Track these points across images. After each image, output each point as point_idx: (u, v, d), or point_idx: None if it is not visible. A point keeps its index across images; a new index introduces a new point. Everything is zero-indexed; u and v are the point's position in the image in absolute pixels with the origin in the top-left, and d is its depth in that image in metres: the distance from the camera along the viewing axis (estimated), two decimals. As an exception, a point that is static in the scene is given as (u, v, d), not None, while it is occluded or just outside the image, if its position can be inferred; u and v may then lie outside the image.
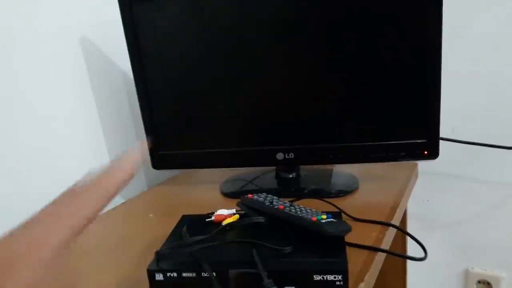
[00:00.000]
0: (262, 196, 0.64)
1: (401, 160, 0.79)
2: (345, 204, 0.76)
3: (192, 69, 0.80)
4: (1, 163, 0.71)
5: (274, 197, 0.64)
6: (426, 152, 0.77)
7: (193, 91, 0.82)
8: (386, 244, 0.64)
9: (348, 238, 0.58)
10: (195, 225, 0.63)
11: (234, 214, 0.64)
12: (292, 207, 0.60)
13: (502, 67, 0.93)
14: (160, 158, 0.88)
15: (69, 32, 0.81)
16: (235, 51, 0.78)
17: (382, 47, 0.73)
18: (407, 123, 0.76)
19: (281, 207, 0.59)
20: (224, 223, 0.61)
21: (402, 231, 0.69)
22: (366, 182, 0.86)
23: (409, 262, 1.10)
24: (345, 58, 0.75)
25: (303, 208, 0.59)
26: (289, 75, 0.77)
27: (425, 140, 0.76)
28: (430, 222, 1.12)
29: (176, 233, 0.61)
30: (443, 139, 0.82)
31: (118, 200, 0.93)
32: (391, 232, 0.68)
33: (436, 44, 0.71)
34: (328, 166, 0.97)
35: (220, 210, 0.65)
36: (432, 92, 0.73)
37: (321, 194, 0.80)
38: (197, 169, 1.08)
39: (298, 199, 0.78)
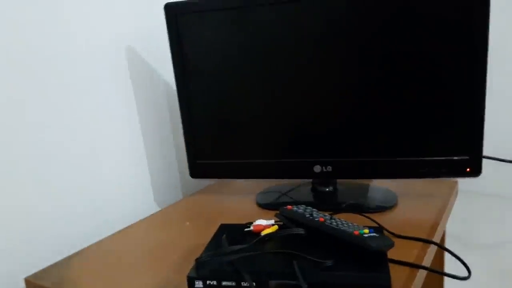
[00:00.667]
0: (302, 208, 0.64)
1: (443, 177, 0.77)
2: (384, 219, 0.75)
3: (233, 80, 0.82)
4: (51, 169, 0.73)
5: (314, 209, 0.64)
6: (468, 169, 0.75)
7: (232, 101, 0.83)
8: (427, 262, 0.63)
9: (389, 254, 0.57)
10: (234, 234, 0.63)
11: (273, 224, 0.64)
12: (333, 220, 0.59)
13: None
14: (198, 167, 0.89)
15: (115, 42, 0.84)
16: (276, 63, 0.78)
17: (425, 59, 0.72)
18: (450, 139, 0.75)
19: (322, 219, 0.59)
20: (263, 233, 0.61)
21: (445, 249, 0.67)
22: (404, 198, 0.84)
23: (445, 282, 1.07)
24: (386, 70, 0.74)
25: (344, 222, 0.59)
26: (329, 87, 0.77)
27: (467, 157, 0.74)
28: (468, 241, 1.08)
29: (215, 242, 0.62)
30: (485, 157, 0.79)
31: (154, 208, 0.94)
32: (432, 250, 0.66)
33: (482, 58, 0.70)
34: (364, 181, 0.96)
35: (259, 220, 0.65)
36: (477, 108, 0.72)
37: (359, 209, 0.79)
38: (233, 179, 1.08)
39: (336, 213, 0.77)
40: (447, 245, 1.09)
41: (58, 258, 0.76)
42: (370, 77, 0.75)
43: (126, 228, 0.82)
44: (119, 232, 0.80)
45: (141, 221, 0.85)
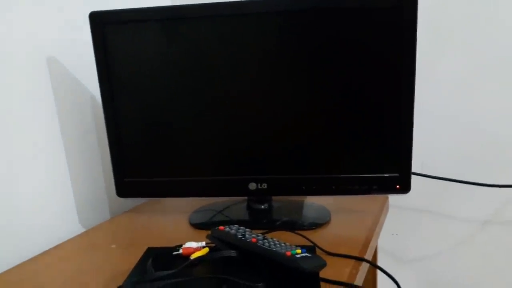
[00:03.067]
0: (234, 228, 0.62)
1: (374, 193, 0.78)
2: (318, 236, 0.74)
3: (163, 95, 0.78)
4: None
5: (247, 229, 0.62)
6: (398, 186, 0.77)
7: (162, 117, 0.79)
8: (359, 280, 0.63)
9: (322, 272, 0.56)
10: (162, 258, 0.60)
11: (204, 247, 0.61)
12: (266, 241, 0.57)
13: (471, 105, 0.96)
14: (125, 185, 0.84)
15: (37, 51, 0.78)
16: (209, 79, 0.76)
17: (356, 82, 0.73)
18: (380, 157, 0.76)
19: (254, 240, 0.57)
20: (192, 256, 0.58)
21: (377, 267, 0.67)
22: (337, 214, 0.84)
23: (378, 297, 1.09)
24: (320, 91, 0.74)
25: (276, 242, 0.57)
26: (263, 105, 0.76)
27: (397, 174, 0.76)
28: (399, 256, 1.11)
29: (140, 267, 0.58)
30: (414, 173, 0.82)
31: (78, 229, 0.88)
32: (364, 267, 0.67)
33: (409, 81, 0.72)
34: (299, 197, 0.95)
35: (189, 242, 0.62)
36: (405, 127, 0.74)
37: (293, 226, 0.78)
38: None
39: (271, 231, 0.76)
40: (379, 260, 1.11)
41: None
42: (303, 97, 0.75)
43: (46, 251, 0.75)
44: (39, 255, 0.73)
45: (64, 243, 0.78)
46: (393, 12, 0.70)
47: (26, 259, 0.74)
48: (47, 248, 0.78)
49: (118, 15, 0.75)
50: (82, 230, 0.88)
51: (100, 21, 0.75)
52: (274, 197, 0.90)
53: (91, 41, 0.84)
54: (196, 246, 0.61)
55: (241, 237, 0.58)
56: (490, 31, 0.92)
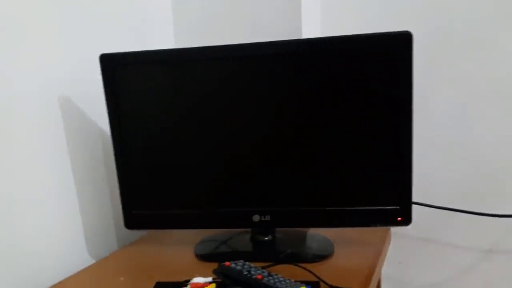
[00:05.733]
0: (240, 264, 0.63)
1: (375, 226, 0.80)
2: (321, 269, 0.75)
3: (168, 133, 0.81)
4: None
5: (252, 265, 0.64)
6: (399, 219, 0.78)
7: (167, 152, 0.82)
8: (363, 314, 0.64)
9: (326, 309, 0.58)
10: (170, 294, 0.61)
11: (211, 282, 0.63)
12: (271, 277, 0.59)
13: (471, 135, 0.98)
14: (133, 217, 0.86)
15: (48, 87, 0.81)
16: (211, 116, 0.79)
17: (355, 118, 0.76)
18: (381, 190, 0.78)
19: (260, 277, 0.59)
20: (200, 292, 0.60)
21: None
22: (340, 245, 0.86)
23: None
24: (320, 128, 0.77)
25: (281, 278, 0.59)
26: (265, 141, 0.79)
27: (398, 207, 0.78)
28: (402, 284, 1.12)
29: (149, 303, 0.59)
30: (415, 203, 0.84)
31: (87, 261, 0.89)
32: (368, 300, 0.68)
33: (406, 112, 0.74)
34: (303, 229, 0.97)
35: (196, 278, 0.64)
36: (404, 161, 0.76)
37: (297, 258, 0.79)
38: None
39: (275, 264, 0.77)
40: None
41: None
42: (303, 134, 0.78)
43: (56, 284, 0.77)
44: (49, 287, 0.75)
45: (73, 276, 0.80)
46: (388, 53, 0.73)
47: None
48: (58, 280, 0.79)
49: (126, 57, 0.79)
50: (92, 261, 0.90)
51: (110, 62, 0.79)
52: (278, 229, 0.91)
53: (100, 79, 0.87)
54: (203, 282, 0.63)
55: (246, 273, 0.60)
56: (489, 62, 0.94)
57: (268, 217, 0.82)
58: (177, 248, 0.91)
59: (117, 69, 0.79)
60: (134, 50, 0.81)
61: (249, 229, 0.92)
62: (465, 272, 1.04)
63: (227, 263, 0.63)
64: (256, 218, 0.82)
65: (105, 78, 0.80)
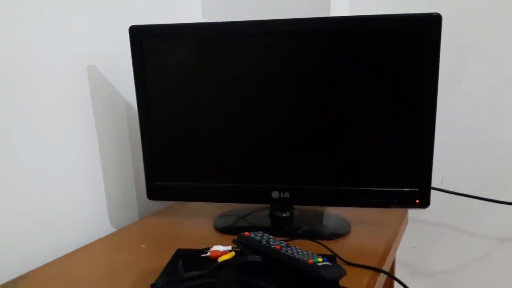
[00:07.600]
0: (259, 234, 0.65)
1: (393, 207, 0.81)
2: (337, 246, 0.77)
3: (194, 106, 0.83)
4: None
5: (271, 236, 0.65)
6: (417, 201, 0.79)
7: (192, 126, 0.84)
8: (377, 290, 0.65)
9: (341, 281, 0.59)
10: (191, 259, 0.63)
11: (230, 251, 0.65)
12: (289, 248, 0.60)
13: (494, 121, 0.97)
14: (155, 188, 0.89)
15: (78, 58, 0.83)
16: (237, 91, 0.80)
17: (379, 98, 0.76)
18: (400, 172, 0.79)
19: (278, 247, 0.60)
20: (220, 259, 0.62)
21: (394, 278, 0.70)
22: (357, 226, 0.87)
23: (394, 308, 1.10)
24: (344, 107, 0.78)
25: (299, 250, 0.60)
26: (289, 119, 0.80)
27: (417, 189, 0.78)
28: (417, 269, 1.13)
29: (171, 267, 0.62)
30: (433, 188, 0.84)
31: (108, 229, 0.93)
32: (382, 278, 0.69)
33: (431, 95, 0.74)
34: (320, 207, 0.98)
35: (216, 246, 0.66)
36: (426, 143, 0.76)
37: (314, 235, 0.81)
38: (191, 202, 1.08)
39: (292, 239, 0.79)
40: (397, 272, 1.13)
41: (3, 280, 0.73)
42: (327, 112, 0.78)
43: (79, 249, 0.80)
44: (71, 253, 0.78)
45: (95, 242, 0.83)
46: (417, 34, 0.72)
47: (59, 256, 0.78)
48: (79, 246, 0.82)
49: (155, 30, 0.80)
50: (114, 229, 0.93)
51: (139, 35, 0.80)
52: (295, 206, 0.93)
53: (129, 51, 0.89)
54: (223, 250, 0.65)
55: (265, 244, 0.62)
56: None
57: (287, 194, 0.84)
58: (197, 221, 0.93)
59: (146, 42, 0.80)
60: (163, 22, 0.82)
61: (267, 206, 0.94)
62: (480, 259, 1.04)
63: (246, 233, 0.65)
64: (275, 194, 0.84)
65: (134, 50, 0.81)
